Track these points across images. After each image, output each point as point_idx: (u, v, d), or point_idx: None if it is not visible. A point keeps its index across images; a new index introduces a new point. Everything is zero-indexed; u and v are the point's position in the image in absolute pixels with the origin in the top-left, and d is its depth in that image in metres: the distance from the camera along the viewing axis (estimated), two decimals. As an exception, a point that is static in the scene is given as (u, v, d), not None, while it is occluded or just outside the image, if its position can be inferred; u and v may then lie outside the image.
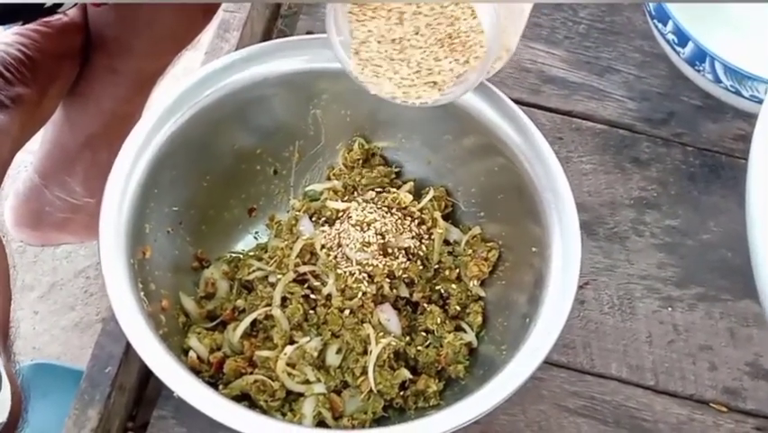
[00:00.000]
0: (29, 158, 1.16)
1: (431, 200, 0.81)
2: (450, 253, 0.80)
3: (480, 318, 0.78)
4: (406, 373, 0.75)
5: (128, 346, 0.76)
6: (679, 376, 0.82)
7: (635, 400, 0.81)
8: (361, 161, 0.82)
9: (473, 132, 0.79)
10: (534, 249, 0.75)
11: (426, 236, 0.80)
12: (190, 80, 0.77)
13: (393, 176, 0.83)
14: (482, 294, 0.79)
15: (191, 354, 0.75)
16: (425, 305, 0.78)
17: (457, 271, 0.79)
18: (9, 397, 0.84)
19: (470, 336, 0.78)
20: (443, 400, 0.76)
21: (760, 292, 0.70)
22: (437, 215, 0.80)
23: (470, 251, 0.80)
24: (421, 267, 0.78)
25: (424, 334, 0.77)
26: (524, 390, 0.69)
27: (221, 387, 0.74)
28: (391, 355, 0.75)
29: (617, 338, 0.83)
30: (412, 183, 0.82)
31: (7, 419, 0.84)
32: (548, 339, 0.70)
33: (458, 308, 0.78)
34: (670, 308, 0.85)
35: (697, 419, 0.81)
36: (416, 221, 0.80)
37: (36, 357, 1.46)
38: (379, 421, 0.75)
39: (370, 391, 0.74)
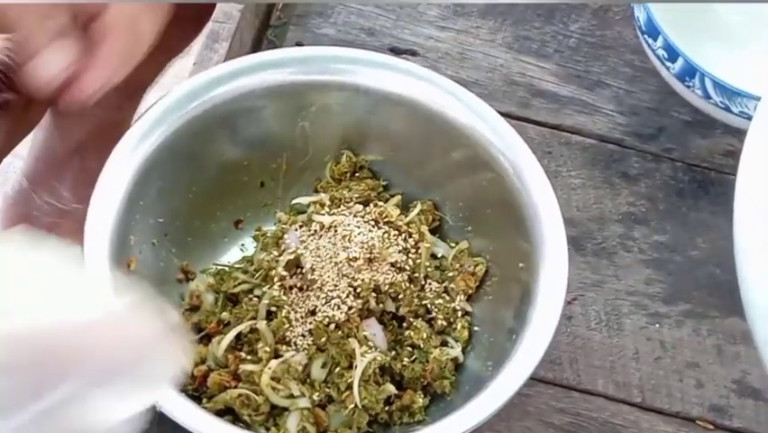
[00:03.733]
0: (18, 162, 1.15)
1: (418, 214, 0.81)
2: (437, 268, 0.80)
3: (466, 333, 0.78)
4: (391, 388, 0.75)
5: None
6: (665, 393, 0.82)
7: (622, 417, 0.81)
8: (348, 174, 0.82)
9: (461, 146, 0.78)
10: (521, 264, 0.74)
11: (413, 250, 0.79)
12: (178, 91, 0.76)
13: (381, 189, 0.82)
14: (469, 309, 0.79)
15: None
16: (411, 319, 0.78)
17: (444, 285, 0.79)
18: None
19: (456, 352, 0.77)
20: (428, 416, 0.75)
21: (746, 309, 0.70)
22: (424, 229, 0.80)
23: (457, 265, 0.79)
24: (407, 281, 0.78)
25: (410, 348, 0.77)
26: (509, 406, 0.68)
27: (204, 401, 0.74)
28: (377, 370, 0.74)
29: (603, 354, 0.83)
30: (399, 197, 0.82)
31: None
32: (534, 356, 0.69)
33: (444, 323, 0.78)
34: (657, 325, 0.85)
35: (683, 437, 0.81)
36: (403, 235, 0.79)
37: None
38: None
39: (355, 406, 0.73)
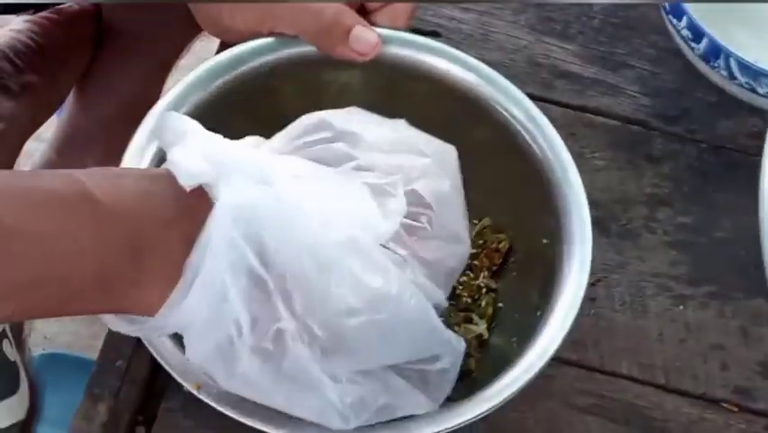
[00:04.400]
0: (42, 146, 1.16)
1: None
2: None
3: (490, 310, 0.78)
4: None
5: (138, 340, 0.75)
6: (690, 375, 0.81)
7: (646, 399, 0.80)
8: None
9: (485, 122, 0.78)
10: (545, 240, 0.74)
11: None
12: (202, 69, 0.76)
13: None
14: (493, 286, 0.79)
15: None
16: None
17: (467, 262, 0.79)
18: (27, 392, 0.84)
19: (480, 328, 0.77)
20: (454, 392, 0.75)
21: (772, 291, 0.70)
22: None
23: (480, 242, 0.79)
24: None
25: None
26: (533, 387, 0.68)
27: None
28: None
29: (627, 336, 0.83)
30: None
31: (25, 416, 0.84)
32: (560, 333, 0.69)
33: (468, 300, 0.78)
34: (681, 307, 0.84)
35: (708, 419, 0.80)
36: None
37: (47, 347, 1.46)
38: None
39: None
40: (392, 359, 0.62)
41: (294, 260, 0.58)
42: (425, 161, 0.65)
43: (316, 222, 0.59)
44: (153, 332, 0.62)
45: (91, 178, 0.58)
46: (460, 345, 0.65)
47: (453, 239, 0.65)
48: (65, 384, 1.20)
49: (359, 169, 0.63)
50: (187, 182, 0.58)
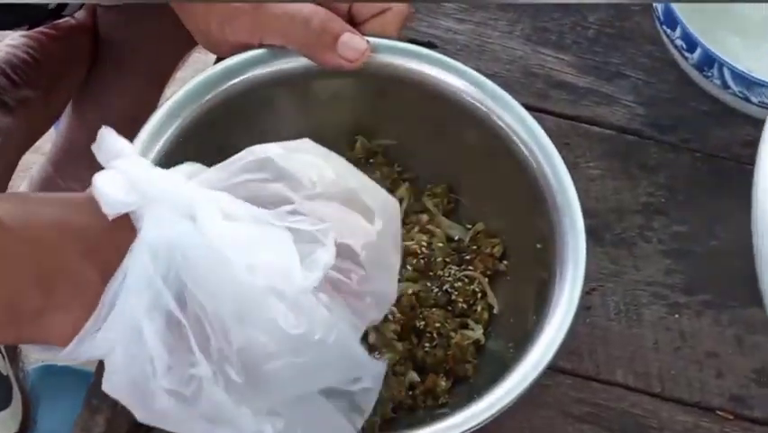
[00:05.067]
0: (40, 159, 1.16)
1: (432, 198, 0.82)
2: (454, 251, 0.80)
3: (486, 315, 0.78)
4: (414, 377, 0.76)
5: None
6: (685, 383, 0.82)
7: (641, 407, 0.80)
8: (363, 160, 0.82)
9: (477, 127, 0.78)
10: (538, 245, 0.74)
11: (428, 236, 0.80)
12: (194, 82, 0.77)
13: (395, 176, 0.82)
14: (488, 291, 0.79)
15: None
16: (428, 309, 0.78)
17: (462, 268, 0.79)
18: (20, 407, 0.84)
19: (477, 334, 0.78)
20: (451, 398, 0.75)
21: (765, 299, 0.70)
22: (438, 213, 0.81)
23: (474, 247, 0.80)
24: (424, 266, 0.78)
25: (429, 334, 0.77)
26: (528, 396, 0.69)
27: None
28: (398, 362, 0.75)
29: (623, 345, 0.83)
30: (407, 184, 0.83)
31: (18, 429, 0.84)
32: (557, 337, 0.69)
33: (464, 306, 0.78)
34: (677, 315, 0.84)
35: (703, 427, 0.80)
36: (417, 226, 0.80)
37: (46, 359, 1.46)
38: (389, 422, 0.75)
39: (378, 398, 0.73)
40: (313, 390, 0.60)
41: (212, 303, 0.56)
42: (365, 216, 0.61)
43: (240, 266, 0.56)
44: (68, 359, 0.59)
45: (1, 204, 0.57)
46: (380, 366, 0.62)
47: (381, 299, 0.61)
48: (63, 396, 1.20)
49: (294, 213, 0.59)
50: (110, 210, 0.56)
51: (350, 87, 0.74)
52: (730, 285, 0.85)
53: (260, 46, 0.77)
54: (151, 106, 1.04)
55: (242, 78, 0.77)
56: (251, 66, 0.78)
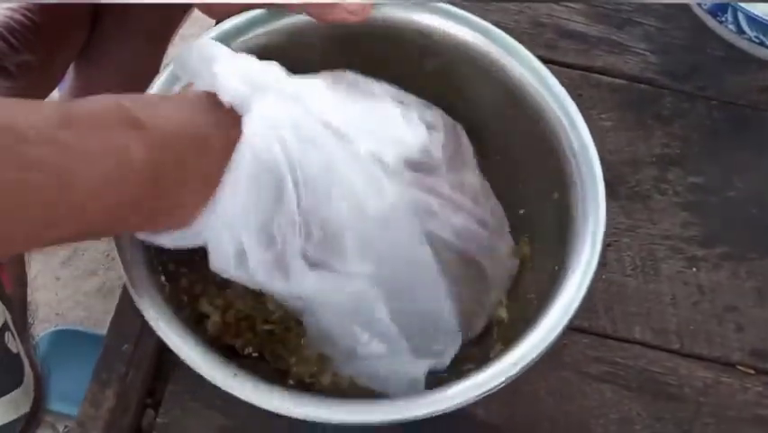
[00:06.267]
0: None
1: None
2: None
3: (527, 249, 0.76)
4: None
5: (144, 323, 0.74)
6: (704, 338, 0.80)
7: (660, 365, 0.79)
8: None
9: (488, 79, 0.76)
10: (555, 194, 0.72)
11: None
12: (206, 38, 0.74)
13: None
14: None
15: (213, 319, 0.73)
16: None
17: None
18: (32, 384, 0.83)
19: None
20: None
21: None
22: None
23: None
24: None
25: None
26: (544, 357, 0.67)
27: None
28: None
29: (640, 301, 0.81)
30: None
31: (31, 407, 0.83)
32: (578, 293, 0.67)
33: None
34: (694, 269, 0.83)
35: (723, 382, 0.79)
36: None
37: (59, 323, 1.46)
38: None
39: None
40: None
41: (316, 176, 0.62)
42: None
43: (340, 136, 0.63)
44: (186, 241, 0.64)
45: (134, 103, 0.60)
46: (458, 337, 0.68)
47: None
48: (76, 360, 1.20)
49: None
50: (228, 99, 0.62)
51: (387, 45, 0.74)
52: (748, 237, 0.84)
53: (259, 6, 0.75)
54: (154, 66, 1.02)
55: (241, 40, 0.75)
56: (251, 27, 0.75)
